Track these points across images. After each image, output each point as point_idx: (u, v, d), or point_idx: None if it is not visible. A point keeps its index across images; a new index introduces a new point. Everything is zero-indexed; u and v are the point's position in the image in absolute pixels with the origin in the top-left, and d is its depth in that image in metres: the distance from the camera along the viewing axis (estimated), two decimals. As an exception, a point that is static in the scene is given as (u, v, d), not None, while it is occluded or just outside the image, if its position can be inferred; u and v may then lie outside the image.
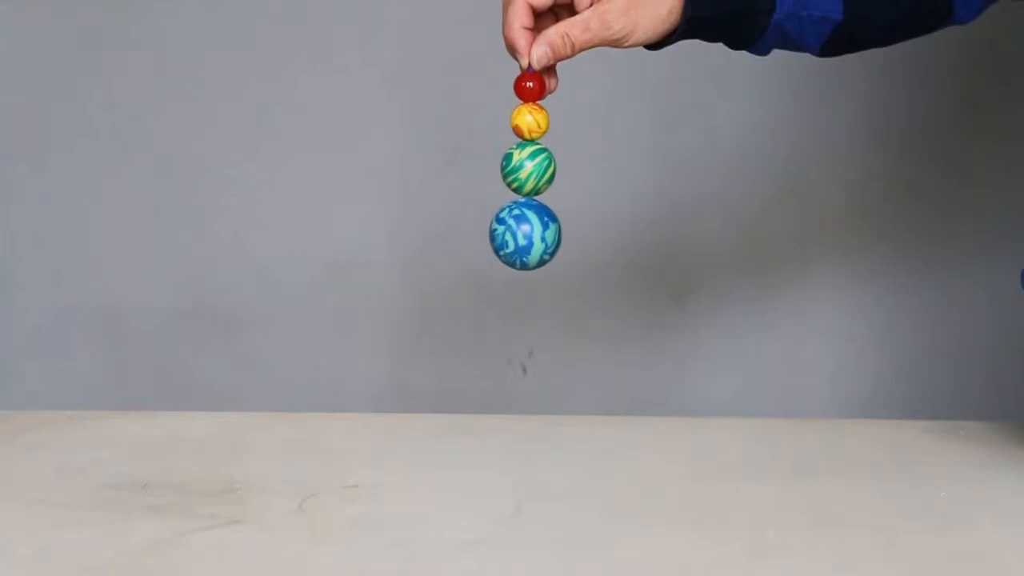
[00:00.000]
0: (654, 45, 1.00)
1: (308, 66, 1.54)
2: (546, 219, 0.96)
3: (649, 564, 0.80)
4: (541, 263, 0.97)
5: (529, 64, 0.95)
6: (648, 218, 1.53)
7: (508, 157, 0.96)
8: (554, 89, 0.97)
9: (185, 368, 1.57)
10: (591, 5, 0.95)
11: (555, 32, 0.95)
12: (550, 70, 0.98)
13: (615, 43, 0.96)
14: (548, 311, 1.56)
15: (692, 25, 0.98)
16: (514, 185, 0.97)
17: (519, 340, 1.56)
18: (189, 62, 1.54)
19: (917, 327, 1.55)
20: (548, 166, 0.96)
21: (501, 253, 0.98)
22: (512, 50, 0.96)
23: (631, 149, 1.52)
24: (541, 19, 0.97)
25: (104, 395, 1.57)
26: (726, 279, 1.54)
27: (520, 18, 0.95)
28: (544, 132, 0.96)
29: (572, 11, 0.96)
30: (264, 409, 1.37)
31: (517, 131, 0.96)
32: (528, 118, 0.95)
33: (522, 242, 0.96)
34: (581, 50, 0.96)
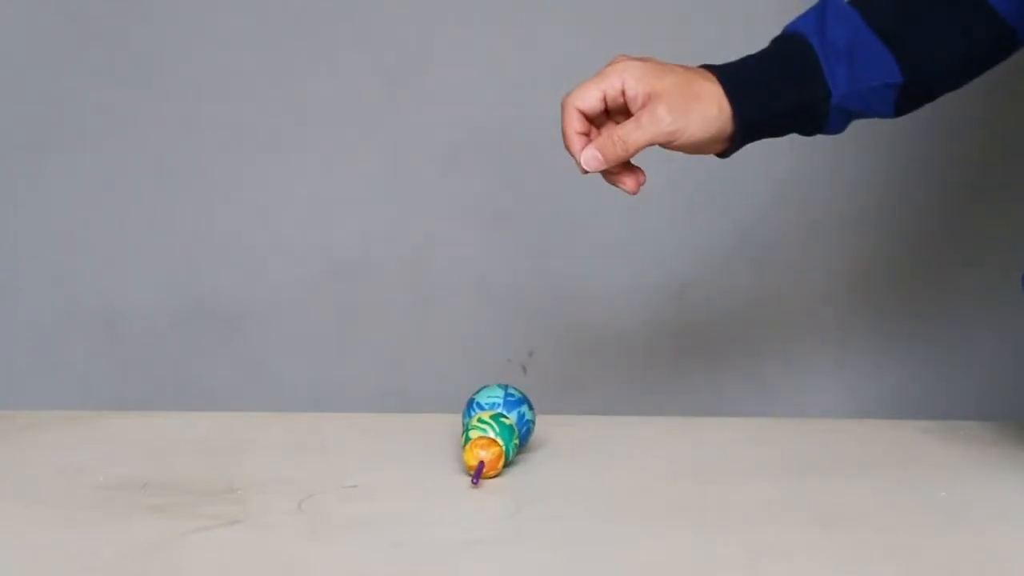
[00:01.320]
0: (722, 152, 1.01)
1: (308, 66, 1.54)
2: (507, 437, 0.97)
3: (649, 564, 0.80)
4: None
5: (583, 171, 0.98)
6: (648, 218, 1.52)
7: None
8: (643, 181, 0.99)
9: (185, 368, 1.57)
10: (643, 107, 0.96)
11: (605, 135, 0.97)
12: (635, 168, 0.99)
13: (669, 139, 0.97)
14: (548, 311, 1.55)
15: (747, 127, 0.99)
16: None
17: (519, 340, 1.56)
18: (188, 63, 1.54)
19: (917, 328, 1.55)
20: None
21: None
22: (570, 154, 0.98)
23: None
24: (605, 121, 0.99)
25: (104, 395, 1.56)
26: (726, 279, 1.54)
27: (573, 124, 0.97)
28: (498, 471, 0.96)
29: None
30: (264, 409, 1.37)
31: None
32: (481, 453, 0.95)
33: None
34: (636, 149, 0.97)
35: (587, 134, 0.98)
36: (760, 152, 1.41)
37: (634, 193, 1.00)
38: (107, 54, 1.54)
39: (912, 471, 0.98)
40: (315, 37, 1.53)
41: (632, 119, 0.96)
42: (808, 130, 1.02)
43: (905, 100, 1.02)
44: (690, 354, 1.54)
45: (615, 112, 0.98)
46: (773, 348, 1.54)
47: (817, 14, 1.01)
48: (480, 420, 0.97)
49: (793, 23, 1.02)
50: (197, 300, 1.56)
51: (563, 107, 0.98)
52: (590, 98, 0.97)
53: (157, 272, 1.56)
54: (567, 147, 0.98)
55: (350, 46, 1.53)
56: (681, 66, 0.99)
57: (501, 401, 1.00)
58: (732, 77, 0.98)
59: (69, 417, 1.13)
